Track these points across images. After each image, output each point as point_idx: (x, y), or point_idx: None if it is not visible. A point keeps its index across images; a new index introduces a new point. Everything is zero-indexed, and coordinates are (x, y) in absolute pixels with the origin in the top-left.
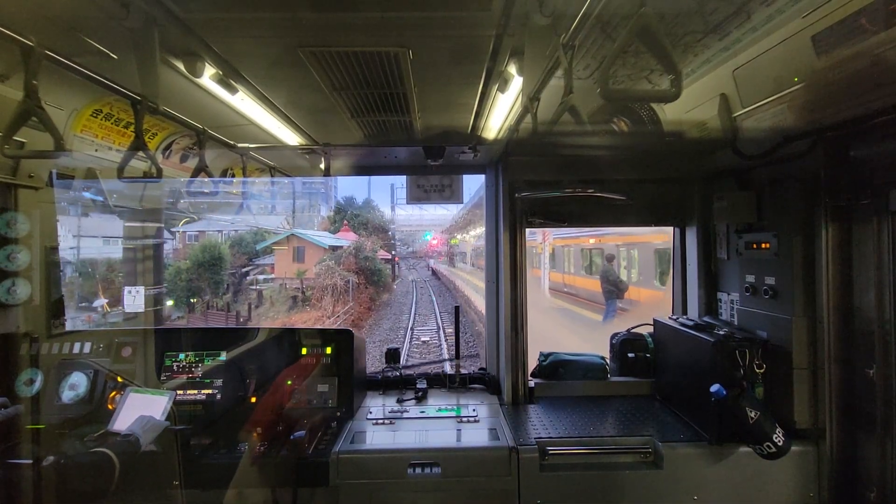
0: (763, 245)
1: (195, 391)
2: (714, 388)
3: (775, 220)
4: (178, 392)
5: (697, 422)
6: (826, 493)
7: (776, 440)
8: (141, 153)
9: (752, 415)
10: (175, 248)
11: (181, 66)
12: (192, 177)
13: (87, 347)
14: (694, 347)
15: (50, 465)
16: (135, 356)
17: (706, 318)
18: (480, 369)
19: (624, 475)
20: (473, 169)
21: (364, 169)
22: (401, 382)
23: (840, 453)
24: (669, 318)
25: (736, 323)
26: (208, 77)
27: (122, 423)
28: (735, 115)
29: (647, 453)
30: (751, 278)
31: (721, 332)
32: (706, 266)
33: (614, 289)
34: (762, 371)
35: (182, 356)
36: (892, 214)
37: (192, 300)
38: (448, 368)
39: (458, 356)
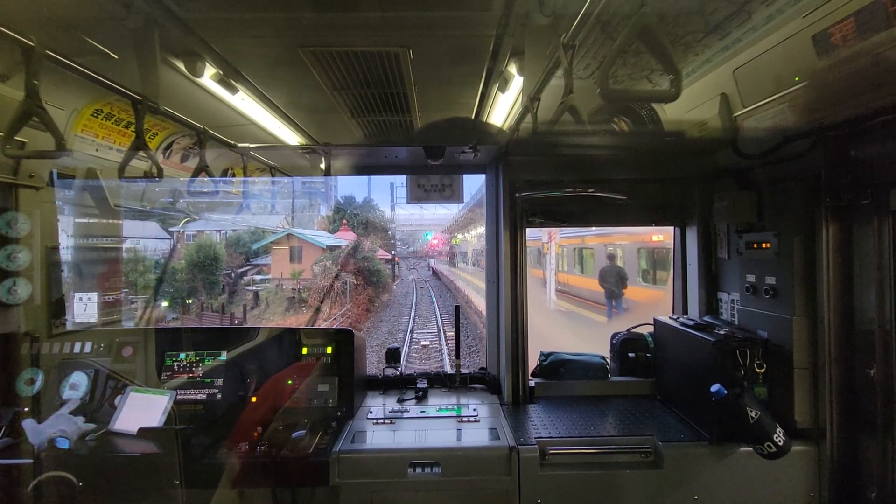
0: (764, 245)
1: (196, 391)
2: (714, 387)
3: (776, 219)
4: (179, 392)
5: (698, 421)
6: (826, 493)
7: (777, 440)
8: (142, 153)
9: (753, 414)
10: (173, 248)
11: (181, 66)
12: (192, 176)
13: (88, 347)
14: (694, 347)
15: None
16: (135, 356)
17: (707, 318)
18: (481, 369)
19: (624, 475)
20: (474, 169)
21: (364, 169)
22: (401, 382)
23: (841, 453)
24: (670, 317)
25: (736, 323)
26: (209, 77)
27: (123, 422)
28: (735, 114)
29: (648, 453)
30: (751, 278)
31: (721, 332)
32: (707, 266)
33: (617, 288)
34: (763, 371)
35: (182, 356)
36: (893, 214)
37: (187, 301)
38: (448, 368)
39: (458, 356)
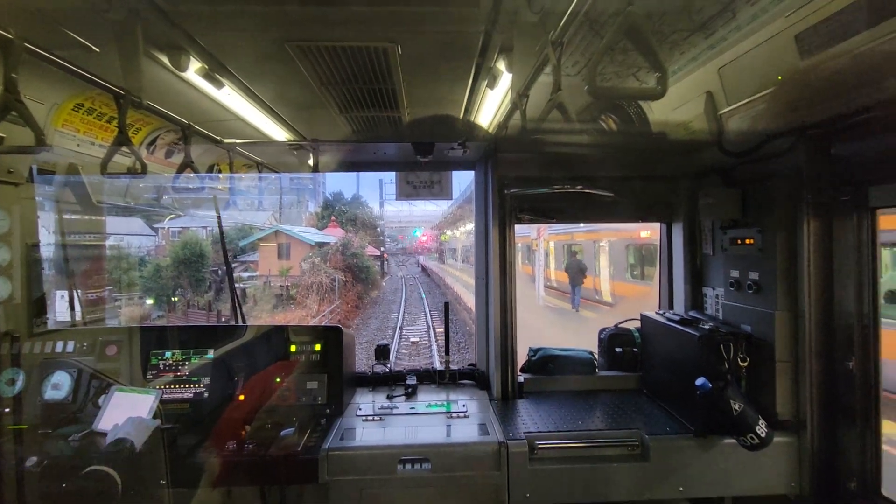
0: (747, 241)
1: (182, 389)
2: (699, 381)
3: (759, 216)
4: (165, 391)
5: (683, 414)
6: (807, 483)
7: (759, 432)
8: (125, 148)
9: (737, 407)
10: (158, 245)
11: (165, 59)
12: (177, 172)
13: (71, 346)
14: (680, 342)
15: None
16: (120, 355)
17: (692, 313)
18: (470, 365)
19: (611, 468)
20: (463, 165)
21: (353, 165)
22: (391, 379)
23: (821, 444)
24: (656, 313)
25: (721, 317)
26: (193, 71)
27: (107, 422)
28: (720, 112)
29: (635, 446)
30: (735, 273)
31: (706, 327)
32: (692, 262)
33: (578, 276)
34: (746, 364)
35: (168, 354)
36: (872, 210)
37: (172, 299)
38: (438, 364)
39: (447, 352)
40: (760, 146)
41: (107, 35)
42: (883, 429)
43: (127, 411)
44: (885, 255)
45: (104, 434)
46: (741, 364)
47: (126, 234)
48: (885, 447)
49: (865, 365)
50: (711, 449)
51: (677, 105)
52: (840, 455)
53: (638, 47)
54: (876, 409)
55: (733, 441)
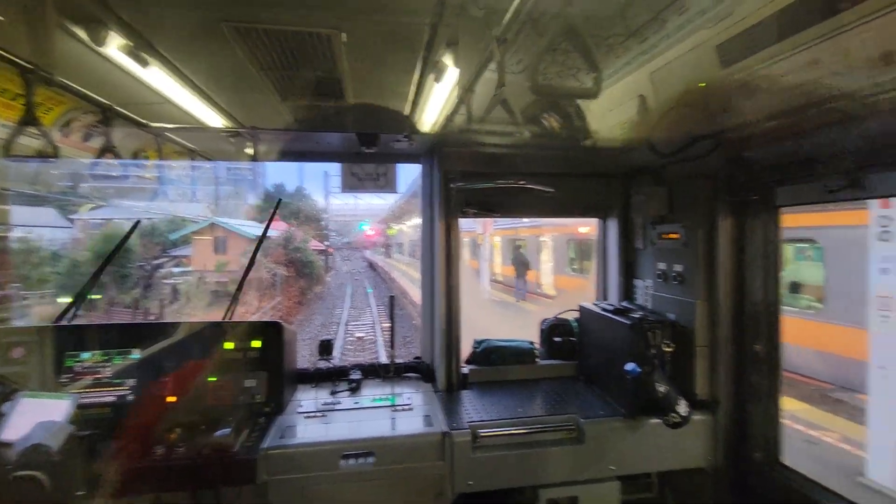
0: (673, 235)
1: (103, 393)
2: (629, 366)
3: (684, 212)
4: (83, 394)
5: (615, 398)
6: (721, 456)
7: (680, 411)
8: (33, 129)
9: (662, 389)
10: (74, 238)
11: (82, 32)
12: (97, 157)
13: None
14: (613, 330)
15: None
16: (29, 357)
17: (624, 303)
18: (416, 358)
19: (550, 451)
20: (409, 158)
21: (295, 155)
22: (334, 374)
23: (732, 420)
24: (593, 303)
25: (650, 307)
26: (115, 47)
27: (13, 432)
28: (652, 114)
29: (571, 430)
30: (662, 266)
31: (636, 316)
32: (625, 255)
33: (525, 269)
34: (671, 350)
35: (86, 356)
36: (777, 209)
37: (91, 297)
38: (383, 358)
39: (393, 346)
40: (685, 148)
41: (10, 1)
42: (782, 405)
43: (37, 418)
44: (788, 250)
45: (10, 444)
46: (666, 350)
47: (35, 226)
48: (784, 421)
49: (769, 348)
50: (640, 429)
51: (613, 107)
52: (748, 429)
53: (576, 48)
54: (777, 387)
55: (659, 421)
